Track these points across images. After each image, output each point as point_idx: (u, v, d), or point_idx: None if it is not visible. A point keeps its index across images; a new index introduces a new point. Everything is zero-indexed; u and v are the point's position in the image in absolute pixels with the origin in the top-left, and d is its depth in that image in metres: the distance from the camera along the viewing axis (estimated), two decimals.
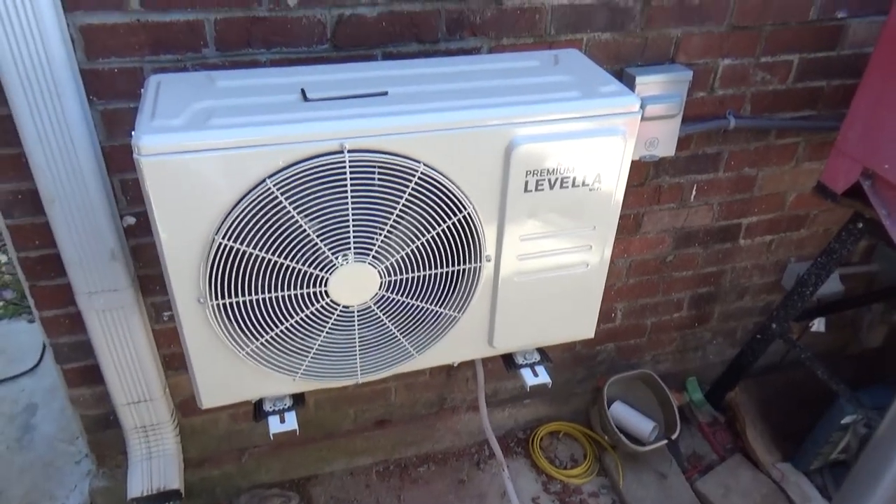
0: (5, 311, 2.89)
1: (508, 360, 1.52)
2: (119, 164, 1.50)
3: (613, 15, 1.59)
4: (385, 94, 1.17)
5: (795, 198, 2.13)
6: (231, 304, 1.19)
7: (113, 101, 1.42)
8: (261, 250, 1.14)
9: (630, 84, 1.63)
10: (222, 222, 1.10)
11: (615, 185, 1.27)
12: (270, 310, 1.22)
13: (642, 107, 1.21)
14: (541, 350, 1.53)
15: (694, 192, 1.98)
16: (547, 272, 1.35)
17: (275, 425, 1.35)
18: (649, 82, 1.64)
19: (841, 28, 1.80)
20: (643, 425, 2.20)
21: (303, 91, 1.16)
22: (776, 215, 2.15)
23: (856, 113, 1.63)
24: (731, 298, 2.33)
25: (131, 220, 1.59)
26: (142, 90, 1.21)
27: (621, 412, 2.23)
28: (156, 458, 1.87)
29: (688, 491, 2.17)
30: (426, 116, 1.11)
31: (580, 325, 1.48)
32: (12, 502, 2.14)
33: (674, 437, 2.16)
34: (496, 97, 1.17)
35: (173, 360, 1.85)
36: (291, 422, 1.36)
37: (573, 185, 1.24)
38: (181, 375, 1.89)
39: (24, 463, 2.25)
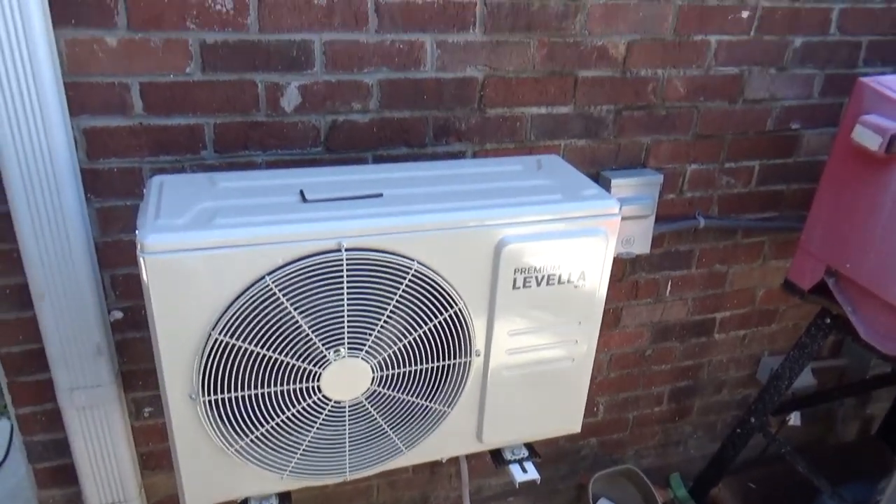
0: None
1: (497, 456, 1.51)
2: (111, 260, 1.52)
3: (588, 123, 1.71)
4: (380, 195, 1.23)
5: (764, 293, 2.22)
6: (223, 399, 1.19)
7: (110, 199, 1.46)
8: (256, 345, 1.15)
9: (606, 186, 1.73)
10: (220, 318, 1.12)
11: (598, 281, 1.33)
12: (262, 405, 1.22)
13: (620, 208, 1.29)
14: (528, 445, 1.53)
15: (669, 288, 2.05)
16: (534, 366, 1.38)
17: None
18: (623, 185, 1.74)
19: (796, 138, 1.95)
20: None
21: (301, 192, 1.21)
22: (747, 310, 2.23)
23: (816, 216, 1.75)
24: (710, 392, 2.36)
25: (118, 315, 1.59)
26: (144, 190, 1.25)
27: None
28: None
29: None
30: (420, 217, 1.17)
31: (567, 419, 1.50)
32: None
33: None
34: (486, 199, 1.24)
35: (150, 459, 1.80)
36: None
37: (559, 282, 1.29)
38: (157, 475, 1.83)
39: None
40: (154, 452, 1.80)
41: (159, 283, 1.06)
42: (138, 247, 1.05)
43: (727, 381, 2.37)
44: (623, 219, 1.74)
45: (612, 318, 2.03)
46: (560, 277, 1.29)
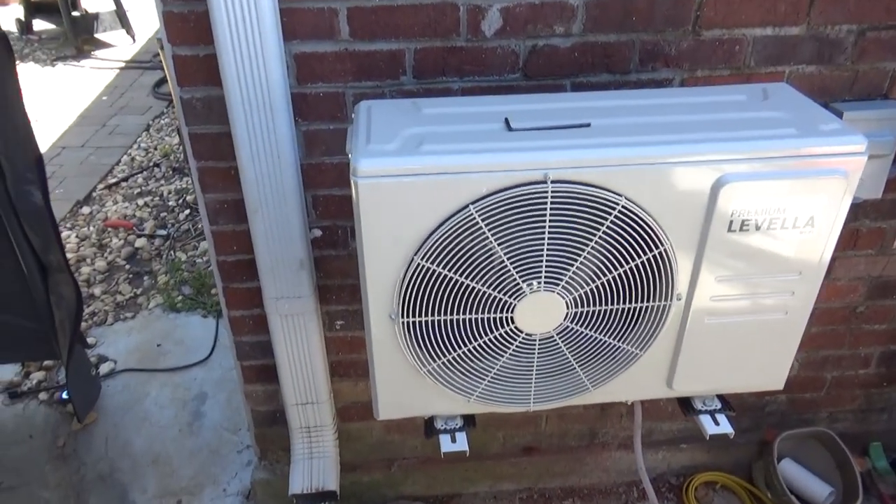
0: (183, 305, 3.17)
1: (685, 404, 1.45)
2: (313, 181, 1.60)
3: (821, 47, 1.49)
4: (588, 125, 1.16)
5: None
6: (420, 322, 1.22)
7: (315, 123, 1.52)
8: (455, 273, 1.16)
9: None
10: (422, 244, 1.13)
11: (829, 229, 1.18)
12: (455, 331, 1.24)
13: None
14: (721, 397, 1.44)
15: None
16: (740, 316, 1.28)
17: (446, 444, 1.37)
18: (858, 118, 1.51)
19: None
20: (818, 489, 2.01)
21: (506, 120, 1.17)
22: None
23: None
24: None
25: (317, 233, 1.69)
26: (351, 114, 1.28)
27: (793, 471, 2.06)
28: (316, 459, 1.96)
29: None
30: (632, 150, 1.09)
31: (769, 374, 1.38)
32: (182, 481, 2.34)
33: None
34: (705, 132, 1.13)
35: (339, 367, 1.94)
36: (462, 442, 1.37)
37: (782, 227, 1.16)
38: (343, 382, 1.97)
39: (194, 447, 2.44)
40: (342, 362, 1.93)
41: (369, 206, 1.09)
42: (351, 170, 1.08)
43: None
44: None
45: None
46: (784, 222, 1.16)
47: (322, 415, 1.91)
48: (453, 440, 1.38)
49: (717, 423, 1.40)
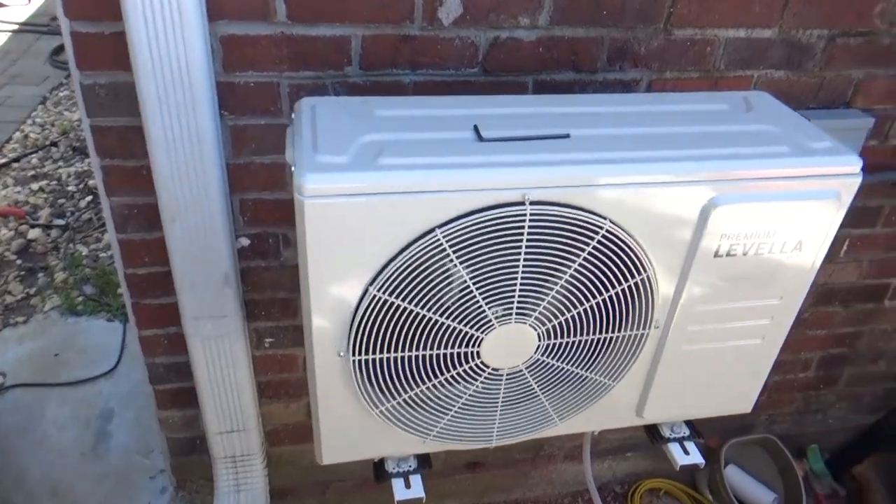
0: (85, 307, 2.85)
1: (653, 432, 1.36)
2: (240, 183, 1.39)
3: (791, 51, 1.42)
4: (567, 136, 1.02)
5: None
6: (374, 360, 1.06)
7: (244, 117, 1.31)
8: (416, 305, 1.01)
9: None
10: (379, 272, 0.97)
11: (816, 253, 1.10)
12: (414, 368, 1.09)
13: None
14: (689, 423, 1.37)
15: (845, 248, 1.78)
16: (717, 342, 1.19)
17: (401, 492, 1.22)
18: (822, 128, 1.44)
19: None
20: (763, 496, 2.01)
21: (476, 128, 1.02)
22: None
23: None
24: (864, 362, 2.12)
25: (245, 242, 1.48)
26: (293, 114, 1.09)
27: (737, 478, 2.05)
28: (244, 492, 1.76)
29: None
30: (621, 167, 0.97)
31: (739, 398, 1.32)
32: None
33: None
34: (697, 148, 1.02)
35: (268, 387, 1.75)
36: (418, 488, 1.23)
37: (769, 251, 1.07)
38: (273, 404, 1.78)
39: (99, 473, 2.18)
40: (272, 382, 1.74)
41: (317, 230, 0.91)
42: (295, 187, 0.90)
43: (887, 353, 2.11)
44: None
45: None
46: (772, 246, 1.07)
47: (249, 443, 1.72)
48: (407, 485, 1.23)
49: (686, 453, 1.32)
